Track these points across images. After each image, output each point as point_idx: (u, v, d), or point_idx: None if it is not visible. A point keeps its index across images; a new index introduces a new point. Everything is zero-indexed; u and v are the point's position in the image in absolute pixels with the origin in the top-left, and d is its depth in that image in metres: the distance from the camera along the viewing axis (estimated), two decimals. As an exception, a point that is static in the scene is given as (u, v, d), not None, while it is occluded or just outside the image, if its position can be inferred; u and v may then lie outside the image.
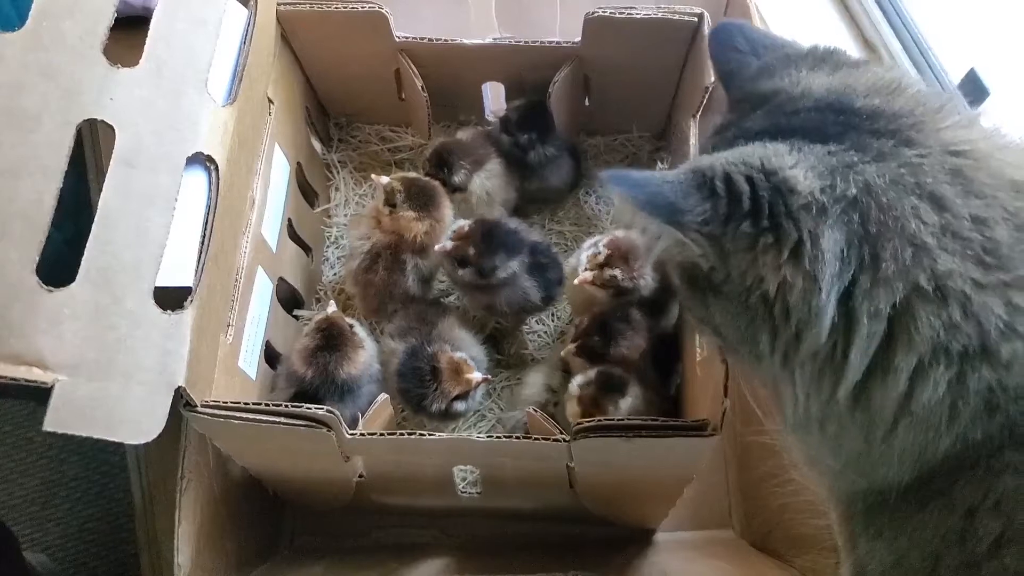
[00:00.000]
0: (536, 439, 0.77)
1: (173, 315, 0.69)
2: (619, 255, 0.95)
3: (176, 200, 0.72)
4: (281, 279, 1.01)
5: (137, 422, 0.66)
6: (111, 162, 0.70)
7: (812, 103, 0.53)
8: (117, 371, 0.66)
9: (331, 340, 0.92)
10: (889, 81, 0.53)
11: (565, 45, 1.04)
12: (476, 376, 0.92)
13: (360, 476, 0.88)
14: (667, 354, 0.95)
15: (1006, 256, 0.45)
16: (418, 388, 0.92)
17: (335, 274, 1.16)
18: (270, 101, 0.96)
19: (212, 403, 0.72)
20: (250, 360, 0.89)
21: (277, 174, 0.98)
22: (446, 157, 1.06)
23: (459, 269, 0.97)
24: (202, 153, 0.76)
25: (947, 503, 0.48)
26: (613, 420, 0.73)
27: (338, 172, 1.22)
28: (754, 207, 0.48)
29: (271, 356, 0.97)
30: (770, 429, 0.67)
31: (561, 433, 0.77)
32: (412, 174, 1.05)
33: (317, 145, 1.18)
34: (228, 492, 0.90)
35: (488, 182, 1.08)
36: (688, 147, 0.94)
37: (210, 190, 0.77)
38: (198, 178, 0.76)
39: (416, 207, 0.99)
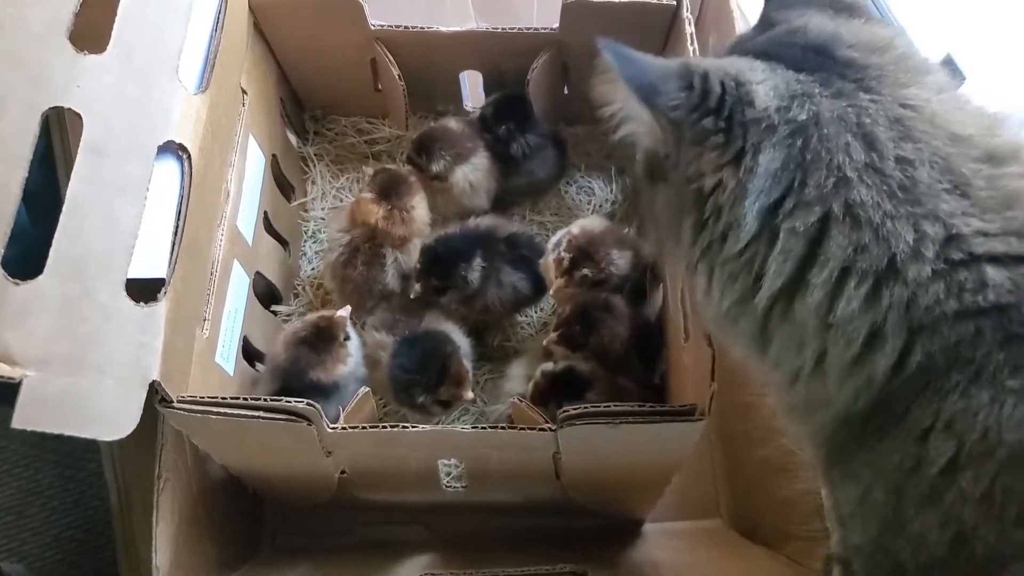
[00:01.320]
0: (522, 429, 0.76)
1: (146, 307, 0.67)
2: (582, 254, 0.94)
3: (147, 190, 0.70)
4: (258, 273, 0.99)
5: (111, 418, 0.64)
6: (79, 150, 0.68)
7: (803, 40, 0.57)
8: (89, 365, 0.64)
9: (318, 339, 0.90)
10: (880, 39, 0.56)
11: (543, 31, 1.03)
12: (468, 395, 0.92)
13: (342, 472, 0.86)
14: (651, 342, 0.94)
15: (922, 193, 0.50)
16: (416, 374, 0.91)
17: (313, 269, 1.14)
18: (243, 91, 0.94)
19: (188, 398, 0.70)
20: (227, 355, 0.87)
21: (252, 166, 0.96)
22: (428, 145, 1.04)
23: (441, 298, 0.99)
24: (174, 142, 0.74)
25: (903, 429, 0.50)
26: (599, 407, 0.72)
27: (314, 165, 1.20)
28: (718, 106, 0.52)
29: (249, 352, 0.95)
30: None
31: (546, 422, 0.76)
32: (393, 166, 1.05)
33: (292, 138, 1.16)
34: (207, 491, 0.88)
35: (472, 175, 1.06)
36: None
37: (183, 180, 0.75)
38: (170, 167, 0.74)
39: (377, 192, 1.00)
